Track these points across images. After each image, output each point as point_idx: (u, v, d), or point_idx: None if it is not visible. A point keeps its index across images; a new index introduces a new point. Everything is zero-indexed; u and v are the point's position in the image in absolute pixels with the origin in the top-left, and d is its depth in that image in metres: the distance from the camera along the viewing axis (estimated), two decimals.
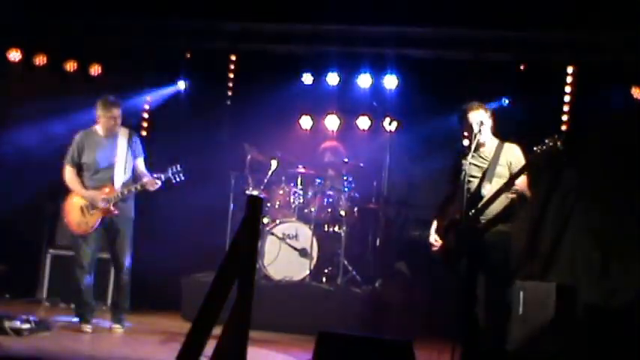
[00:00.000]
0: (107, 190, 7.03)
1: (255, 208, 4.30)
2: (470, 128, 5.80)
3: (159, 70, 9.49)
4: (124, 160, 7.12)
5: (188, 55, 9.48)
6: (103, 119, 7.12)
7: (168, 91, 9.55)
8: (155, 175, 7.06)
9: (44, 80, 9.29)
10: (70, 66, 9.36)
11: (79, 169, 7.15)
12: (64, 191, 7.31)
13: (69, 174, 7.14)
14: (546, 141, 5.49)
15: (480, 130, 5.73)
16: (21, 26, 9.01)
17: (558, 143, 5.42)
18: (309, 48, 9.18)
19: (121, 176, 7.08)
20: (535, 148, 5.55)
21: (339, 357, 4.41)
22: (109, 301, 8.22)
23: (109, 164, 7.08)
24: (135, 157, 7.21)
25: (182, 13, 8.71)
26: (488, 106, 5.99)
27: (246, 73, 9.57)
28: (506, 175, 5.75)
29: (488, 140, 5.90)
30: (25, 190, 8.87)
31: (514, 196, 5.66)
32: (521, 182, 5.72)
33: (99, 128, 7.18)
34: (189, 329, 4.00)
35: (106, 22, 8.92)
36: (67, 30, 9.06)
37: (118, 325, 7.14)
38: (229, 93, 9.70)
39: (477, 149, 5.81)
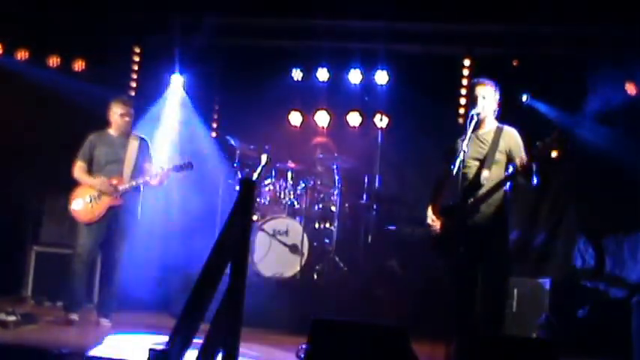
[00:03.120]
0: (115, 181, 7.13)
1: (248, 190, 4.21)
2: (474, 101, 5.67)
3: (146, 64, 9.37)
4: (134, 160, 7.23)
5: (175, 50, 9.35)
6: (114, 118, 7.26)
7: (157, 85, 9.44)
8: (163, 167, 7.19)
9: (27, 75, 9.14)
10: (53, 61, 9.21)
11: (90, 165, 7.25)
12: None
13: (78, 169, 7.24)
14: (551, 137, 5.36)
15: (480, 106, 5.62)
16: (2, 20, 8.86)
17: (564, 139, 5.29)
18: (299, 43, 9.10)
19: (129, 172, 7.19)
20: (538, 143, 5.40)
21: (334, 343, 4.31)
22: (95, 299, 8.09)
23: (119, 160, 7.21)
24: (144, 161, 7.32)
25: (169, 7, 8.62)
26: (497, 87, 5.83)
27: (234, 68, 9.46)
28: (504, 161, 5.65)
29: (488, 120, 5.76)
30: (10, 187, 8.73)
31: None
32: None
33: (111, 130, 7.32)
34: (180, 315, 3.89)
35: (90, 16, 8.81)
36: (49, 25, 8.93)
37: (105, 320, 7.10)
38: (218, 88, 9.57)
39: (476, 129, 5.69)
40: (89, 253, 7.15)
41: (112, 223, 7.15)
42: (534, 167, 5.45)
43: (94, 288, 8.14)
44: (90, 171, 7.22)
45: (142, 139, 7.39)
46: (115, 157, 7.20)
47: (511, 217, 5.98)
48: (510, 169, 5.57)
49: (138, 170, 7.23)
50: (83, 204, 7.12)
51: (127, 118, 7.27)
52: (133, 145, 7.27)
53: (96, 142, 7.26)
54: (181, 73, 9.33)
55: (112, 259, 7.19)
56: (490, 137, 5.69)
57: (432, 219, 5.84)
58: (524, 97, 8.69)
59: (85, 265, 7.13)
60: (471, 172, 5.65)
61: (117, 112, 7.24)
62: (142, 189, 7.27)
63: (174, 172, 7.25)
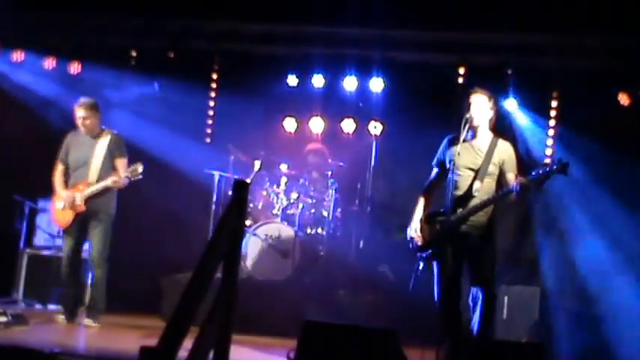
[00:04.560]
0: (81, 187, 7.19)
1: (241, 192, 4.21)
2: (468, 108, 5.69)
3: (141, 69, 9.37)
4: (101, 160, 7.23)
5: (171, 55, 9.35)
6: (77, 122, 7.30)
7: (150, 90, 9.43)
8: (128, 176, 7.10)
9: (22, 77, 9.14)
10: (49, 63, 9.21)
11: (67, 167, 7.35)
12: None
13: (56, 172, 7.37)
14: (552, 167, 5.36)
15: (473, 114, 5.65)
16: None
17: (565, 169, 5.30)
18: (294, 49, 9.09)
19: (95, 175, 7.20)
20: (536, 173, 5.40)
21: (324, 346, 4.32)
22: (87, 301, 8.08)
23: (86, 164, 7.23)
24: (114, 157, 7.29)
25: (166, 13, 8.63)
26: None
27: (229, 74, 9.46)
28: (497, 174, 5.67)
29: (483, 130, 5.78)
30: (2, 188, 8.72)
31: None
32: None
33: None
34: (171, 316, 3.88)
35: (87, 19, 8.82)
36: (45, 26, 8.93)
37: (91, 321, 7.14)
38: (213, 94, 9.58)
39: (471, 139, 5.72)
40: (69, 257, 7.26)
41: (86, 226, 7.22)
42: (532, 187, 5.49)
43: (86, 290, 8.17)
44: (67, 173, 7.33)
45: (112, 135, 7.34)
46: (83, 161, 7.24)
47: (502, 225, 6.01)
48: (511, 186, 5.55)
49: (106, 170, 7.21)
50: (57, 211, 7.30)
51: (87, 122, 7.23)
52: (102, 145, 7.25)
53: (70, 145, 7.35)
54: (177, 78, 9.32)
55: (92, 259, 7.26)
56: (485, 148, 5.71)
57: (414, 230, 5.83)
58: (514, 105, 8.73)
59: (68, 268, 7.25)
60: (463, 181, 5.67)
61: (78, 116, 7.26)
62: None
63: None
